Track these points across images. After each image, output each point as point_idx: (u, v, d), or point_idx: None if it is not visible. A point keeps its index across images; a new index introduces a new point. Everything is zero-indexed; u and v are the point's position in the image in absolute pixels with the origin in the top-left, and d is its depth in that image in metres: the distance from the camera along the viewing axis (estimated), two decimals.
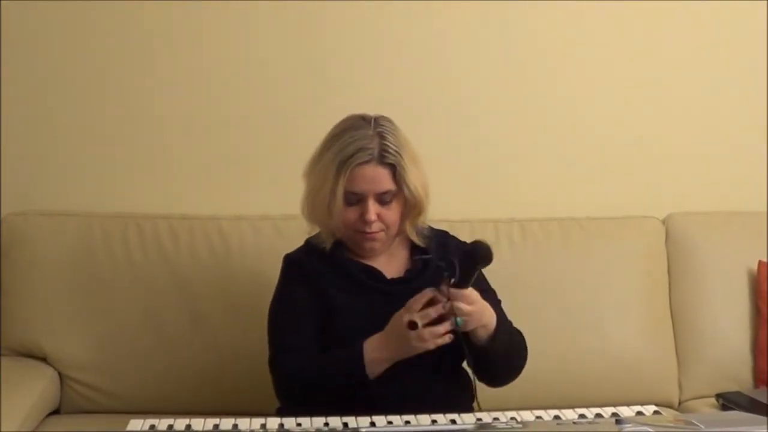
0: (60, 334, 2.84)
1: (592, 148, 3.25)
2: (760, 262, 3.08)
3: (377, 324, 2.14)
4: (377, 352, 2.09)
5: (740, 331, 3.09)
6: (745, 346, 3.08)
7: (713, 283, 3.10)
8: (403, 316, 2.06)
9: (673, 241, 3.14)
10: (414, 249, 2.36)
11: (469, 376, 2.31)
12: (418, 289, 2.13)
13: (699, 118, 3.31)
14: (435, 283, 2.12)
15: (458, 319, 2.06)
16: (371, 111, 2.31)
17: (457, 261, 2.06)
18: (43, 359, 2.86)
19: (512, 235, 2.97)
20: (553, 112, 3.23)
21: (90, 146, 3.09)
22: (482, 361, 2.15)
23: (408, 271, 2.32)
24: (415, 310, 2.05)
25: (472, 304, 2.08)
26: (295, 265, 2.34)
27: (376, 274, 2.30)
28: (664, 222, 3.18)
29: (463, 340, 2.09)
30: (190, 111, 3.11)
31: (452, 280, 2.06)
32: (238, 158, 3.12)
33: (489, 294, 2.27)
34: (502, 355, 2.20)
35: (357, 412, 1.83)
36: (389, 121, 2.27)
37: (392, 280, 2.30)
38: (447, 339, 2.06)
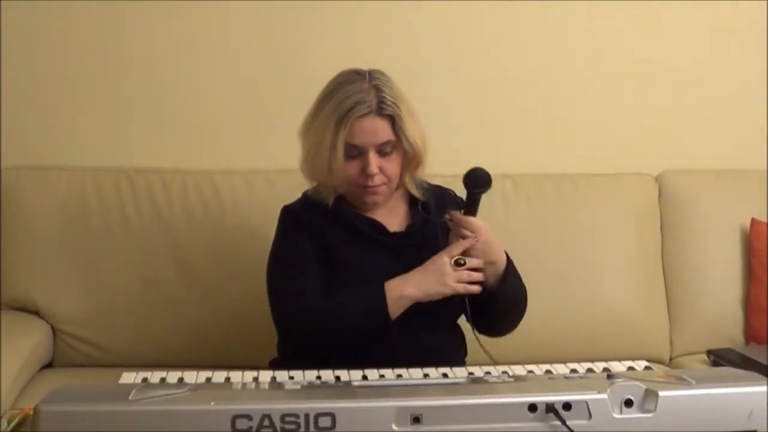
0: (53, 289, 2.85)
1: (587, 105, 3.24)
2: (753, 220, 3.08)
3: (381, 276, 2.14)
4: (400, 288, 2.09)
5: (732, 289, 3.10)
6: (736, 303, 3.09)
7: (706, 241, 3.10)
8: (443, 255, 2.11)
9: (666, 198, 3.15)
10: (412, 203, 2.36)
11: (463, 333, 2.31)
12: (421, 244, 2.19)
13: (694, 75, 3.30)
14: (436, 238, 2.18)
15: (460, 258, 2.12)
16: (363, 66, 2.29)
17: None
18: (36, 313, 2.86)
19: (505, 190, 2.97)
20: (547, 68, 3.22)
21: (82, 101, 3.07)
22: (489, 306, 2.17)
23: (409, 226, 2.32)
24: (456, 253, 2.11)
25: (480, 233, 2.14)
26: (295, 216, 2.32)
27: (378, 227, 2.29)
28: (657, 179, 3.18)
29: None
30: (182, 66, 3.09)
31: (461, 210, 2.15)
32: (230, 112, 3.11)
33: None
34: (510, 300, 2.24)
35: (360, 364, 1.82)
36: (383, 74, 2.26)
37: (395, 233, 2.30)
38: (477, 289, 2.12)
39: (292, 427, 1.41)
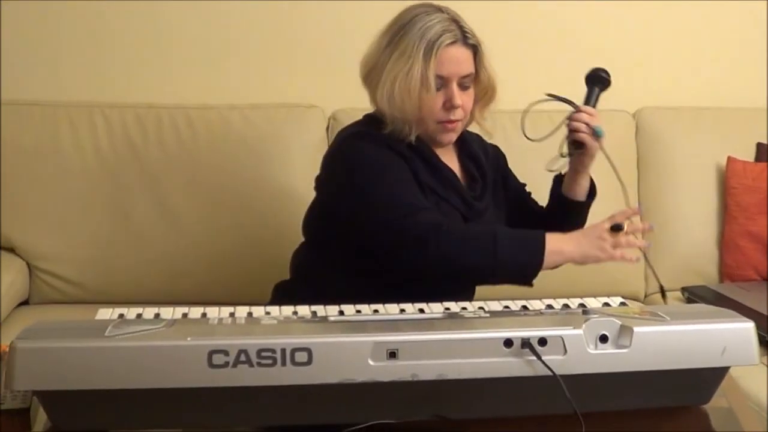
0: (28, 225, 2.84)
1: (563, 41, 3.22)
2: (729, 158, 3.09)
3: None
4: (559, 244, 2.01)
5: (707, 226, 3.12)
6: (711, 241, 3.11)
7: (682, 178, 3.12)
8: (603, 222, 2.03)
9: (643, 135, 3.15)
10: (461, 152, 2.29)
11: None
12: (484, 203, 2.20)
13: (672, 13, 3.28)
14: (493, 196, 2.23)
15: (598, 128, 2.16)
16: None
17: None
18: (12, 250, 2.85)
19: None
20: (522, 4, 3.19)
21: (56, 36, 3.05)
22: (571, 227, 2.15)
23: (469, 183, 2.26)
24: (619, 219, 2.03)
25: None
26: (384, 140, 2.15)
27: (456, 177, 2.22)
28: (634, 116, 3.18)
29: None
30: (158, 1, 3.05)
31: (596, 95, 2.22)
32: (206, 47, 3.08)
33: None
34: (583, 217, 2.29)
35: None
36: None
37: (467, 185, 2.25)
38: (634, 258, 2.07)
39: (269, 362, 1.41)
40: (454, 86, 2.11)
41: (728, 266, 3.07)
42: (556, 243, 1.99)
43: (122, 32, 3.04)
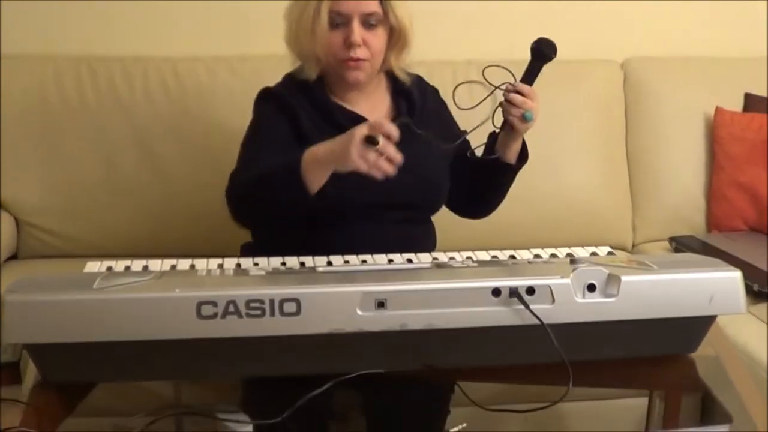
0: (15, 179, 2.83)
1: None
2: (717, 108, 3.09)
3: (354, 172, 1.93)
4: (313, 149, 1.88)
5: (695, 177, 3.12)
6: (699, 191, 3.12)
7: (670, 128, 3.11)
8: (362, 127, 1.80)
9: (631, 85, 3.14)
10: (395, 95, 2.27)
11: (434, 226, 2.29)
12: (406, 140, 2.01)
13: None
14: (426, 131, 2.09)
15: (527, 113, 2.05)
16: None
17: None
18: None
19: (469, 77, 2.94)
20: None
21: None
22: (495, 181, 2.17)
23: (393, 120, 2.18)
24: (381, 130, 1.78)
25: (535, 102, 2.06)
26: (274, 96, 2.21)
27: (359, 121, 2.12)
28: (622, 66, 3.17)
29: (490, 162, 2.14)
30: None
31: (537, 70, 2.09)
32: None
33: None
34: (512, 179, 2.22)
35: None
36: None
37: None
38: (391, 170, 1.80)
39: (258, 312, 1.42)
40: (355, 23, 2.09)
41: (716, 216, 3.08)
42: (311, 151, 1.88)
43: None
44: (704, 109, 3.11)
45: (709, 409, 1.70)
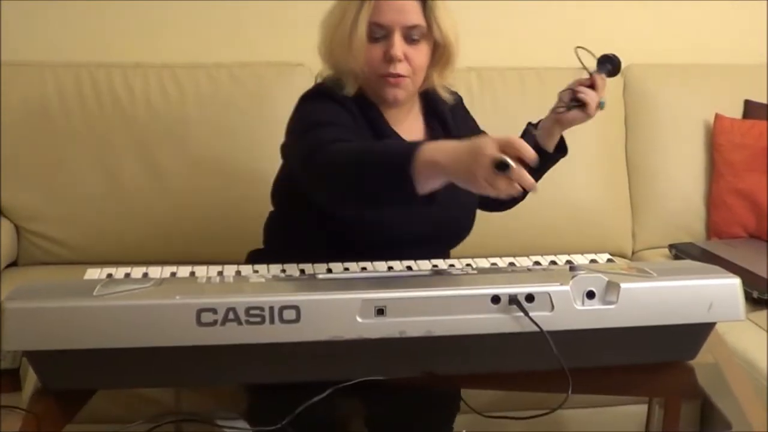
0: (16, 187, 2.83)
1: None
2: (717, 115, 3.09)
3: None
4: (434, 153, 1.58)
5: (695, 184, 3.13)
6: (699, 198, 3.12)
7: (670, 135, 3.11)
8: (490, 146, 1.49)
9: (631, 92, 3.15)
10: (428, 117, 2.15)
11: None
12: None
13: None
14: None
15: (602, 100, 2.05)
16: None
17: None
18: None
19: (470, 84, 2.95)
20: None
21: None
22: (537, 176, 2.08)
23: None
24: (513, 152, 1.49)
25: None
26: (325, 92, 2.03)
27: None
28: (622, 73, 3.16)
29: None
30: None
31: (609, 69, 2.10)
32: (191, 4, 3.05)
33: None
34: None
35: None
36: None
37: None
38: (518, 191, 1.53)
39: (257, 320, 1.42)
40: (396, 37, 1.94)
41: (715, 223, 3.08)
42: (430, 152, 1.58)
43: None
44: (704, 116, 3.11)
45: (709, 416, 1.69)
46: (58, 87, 2.85)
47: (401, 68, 1.96)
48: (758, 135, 3.02)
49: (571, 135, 3.03)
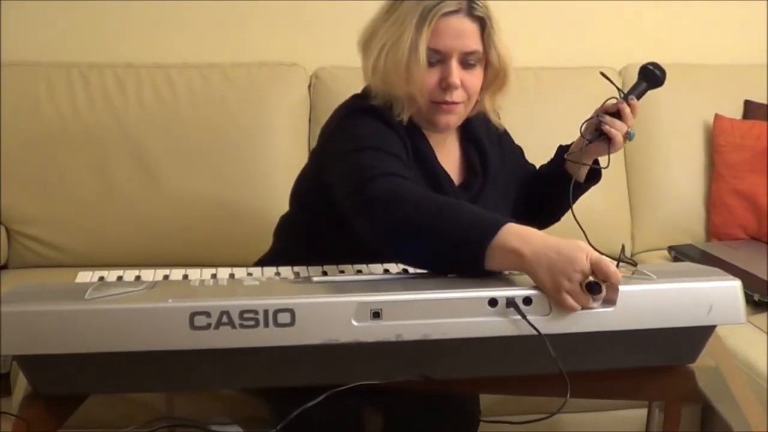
0: (6, 188, 2.82)
1: None
2: (716, 116, 3.08)
3: None
4: (519, 243, 1.51)
5: (694, 185, 3.12)
6: (698, 200, 3.11)
7: (669, 136, 3.11)
8: (585, 262, 1.47)
9: None
10: (464, 143, 2.08)
11: None
12: (478, 197, 1.95)
13: None
14: (497, 191, 2.00)
15: (631, 130, 2.01)
16: None
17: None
18: None
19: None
20: None
21: None
22: (560, 200, 2.07)
23: (467, 177, 2.04)
24: (601, 274, 1.46)
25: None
26: (380, 114, 1.92)
27: (447, 178, 1.99)
28: (620, 73, 3.16)
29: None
30: None
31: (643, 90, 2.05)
32: (183, 4, 3.04)
33: None
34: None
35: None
36: None
37: (459, 187, 2.02)
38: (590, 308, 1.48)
39: (251, 323, 1.40)
40: (454, 62, 1.87)
41: (715, 225, 3.07)
42: (515, 239, 1.52)
43: None
44: (703, 117, 3.11)
45: (709, 420, 1.68)
46: (49, 87, 2.85)
47: (457, 96, 1.90)
48: (758, 135, 3.01)
49: (569, 136, 3.02)
